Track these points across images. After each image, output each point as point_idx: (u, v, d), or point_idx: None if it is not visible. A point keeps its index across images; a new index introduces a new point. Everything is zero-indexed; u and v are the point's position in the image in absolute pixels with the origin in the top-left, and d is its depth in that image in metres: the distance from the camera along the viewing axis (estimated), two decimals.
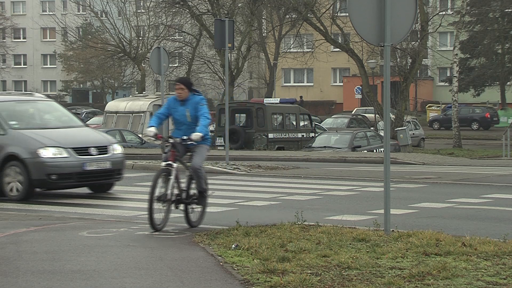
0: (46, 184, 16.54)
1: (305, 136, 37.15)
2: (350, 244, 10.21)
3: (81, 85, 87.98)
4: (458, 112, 42.81)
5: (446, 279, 8.29)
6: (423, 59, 48.94)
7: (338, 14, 43.57)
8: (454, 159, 31.31)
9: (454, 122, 42.07)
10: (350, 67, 72.47)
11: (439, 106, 69.07)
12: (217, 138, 36.22)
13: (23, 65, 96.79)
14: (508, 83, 67.43)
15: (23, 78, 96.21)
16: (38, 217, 13.65)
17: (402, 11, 11.21)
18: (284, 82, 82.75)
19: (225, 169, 23.10)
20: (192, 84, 12.48)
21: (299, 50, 51.71)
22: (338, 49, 45.74)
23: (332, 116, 54.88)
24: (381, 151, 31.28)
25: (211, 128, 45.06)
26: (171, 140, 12.04)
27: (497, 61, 66.26)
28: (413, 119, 48.00)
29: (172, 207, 11.93)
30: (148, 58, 34.93)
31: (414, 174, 21.69)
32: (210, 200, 15.82)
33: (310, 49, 47.75)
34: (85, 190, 17.52)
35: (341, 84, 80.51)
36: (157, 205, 11.60)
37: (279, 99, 47.39)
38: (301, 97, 71.74)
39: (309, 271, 8.62)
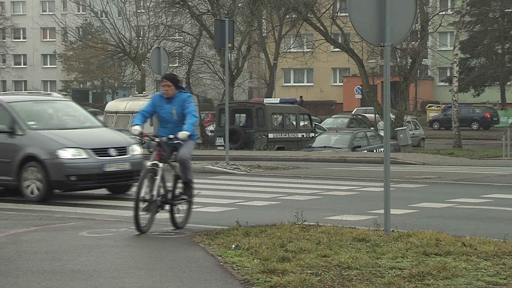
0: (65, 186, 16.28)
1: (305, 136, 37.16)
2: (350, 244, 10.21)
3: (81, 85, 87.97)
4: (458, 112, 42.80)
5: (446, 279, 8.29)
6: (423, 59, 48.94)
7: (338, 14, 43.56)
8: (454, 159, 31.30)
9: (454, 122, 42.06)
10: (350, 67, 72.47)
11: (439, 106, 69.07)
12: (217, 138, 36.26)
13: (23, 65, 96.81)
14: (508, 83, 67.43)
15: (23, 78, 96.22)
16: (38, 217, 13.65)
17: (402, 11, 11.21)
18: (284, 82, 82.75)
19: (225, 169, 23.11)
20: (179, 81, 12.19)
21: (299, 50, 51.71)
22: (338, 49, 45.73)
23: (332, 116, 54.89)
24: (381, 151, 31.28)
25: (211, 128, 45.18)
26: (157, 139, 11.72)
27: (497, 61, 66.26)
28: (413, 119, 48.00)
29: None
30: (148, 58, 34.91)
31: (414, 174, 21.69)
32: (210, 200, 15.89)
33: (310, 49, 47.74)
34: (85, 190, 17.49)
35: (341, 84, 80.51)
36: (142, 207, 11.30)
37: (279, 99, 47.40)
38: (301, 97, 71.74)
39: (309, 271, 8.62)
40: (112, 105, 41.19)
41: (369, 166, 24.84)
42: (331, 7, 43.44)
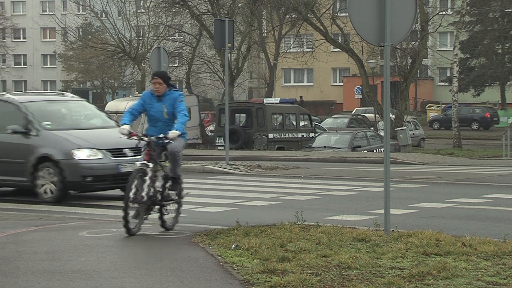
0: (81, 186, 16.05)
1: (305, 136, 37.18)
2: (350, 244, 10.21)
3: (81, 85, 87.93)
4: (458, 112, 42.81)
5: (446, 279, 8.29)
6: (423, 59, 48.95)
7: (338, 14, 43.58)
8: (454, 159, 31.31)
9: (454, 122, 42.06)
10: (350, 67, 72.47)
11: (439, 106, 69.07)
12: (217, 138, 36.29)
13: (23, 65, 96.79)
14: (508, 83, 67.43)
15: (23, 78, 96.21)
16: (38, 217, 13.65)
17: (402, 11, 11.21)
18: (284, 82, 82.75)
19: (225, 169, 23.11)
20: (170, 78, 11.87)
21: (299, 50, 51.72)
22: (338, 49, 45.74)
23: (332, 116, 54.88)
24: (381, 151, 31.28)
25: (211, 128, 45.20)
26: (146, 139, 11.43)
27: (497, 61, 66.26)
28: (413, 119, 48.01)
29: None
30: (148, 58, 34.93)
31: (414, 174, 21.69)
32: (210, 200, 15.91)
33: (310, 49, 47.76)
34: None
35: (341, 84, 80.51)
36: (131, 208, 11.06)
37: (279, 99, 47.43)
38: (301, 97, 71.74)
39: (309, 271, 8.62)
40: (112, 105, 41.18)
41: (369, 166, 24.85)
42: (331, 7, 43.46)
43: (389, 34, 11.10)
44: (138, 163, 11.38)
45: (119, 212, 14.46)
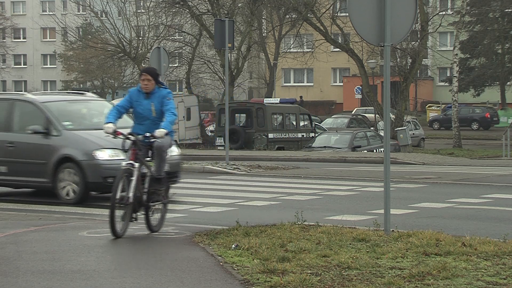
0: (103, 188, 15.61)
1: (305, 136, 37.19)
2: (350, 244, 10.21)
3: (81, 85, 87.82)
4: (458, 112, 42.81)
5: (446, 279, 8.29)
6: (423, 59, 48.96)
7: (338, 14, 43.59)
8: (454, 159, 31.31)
9: (454, 122, 42.06)
10: (350, 67, 72.47)
11: (439, 106, 69.07)
12: (217, 138, 36.31)
13: (23, 65, 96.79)
14: (508, 83, 67.43)
15: (23, 78, 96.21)
16: (38, 217, 13.64)
17: (402, 11, 11.21)
18: (284, 82, 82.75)
19: (225, 169, 23.11)
20: (159, 75, 11.48)
21: (299, 50, 51.73)
22: (338, 49, 45.76)
23: (332, 116, 54.90)
24: (381, 151, 31.29)
25: (211, 128, 45.20)
26: (132, 138, 11.09)
27: (497, 61, 66.26)
28: (413, 119, 48.02)
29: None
30: (148, 58, 34.92)
31: (414, 174, 21.69)
32: (210, 200, 15.90)
33: (310, 49, 47.77)
34: None
35: (341, 84, 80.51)
36: (118, 210, 10.75)
37: (279, 99, 47.46)
38: (301, 97, 71.74)
39: (309, 271, 8.61)
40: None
41: (369, 166, 24.85)
42: (331, 7, 43.47)
43: (389, 34, 11.10)
44: (123, 163, 11.02)
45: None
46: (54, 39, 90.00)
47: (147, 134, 11.07)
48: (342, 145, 32.64)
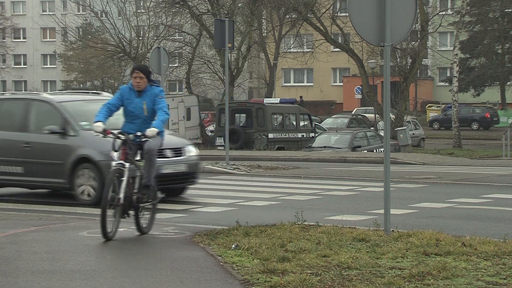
0: None
1: (305, 136, 37.21)
2: (350, 244, 10.21)
3: (81, 85, 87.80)
4: (458, 112, 42.81)
5: (446, 279, 8.29)
6: (423, 59, 48.96)
7: (338, 14, 43.60)
8: (454, 159, 31.31)
9: (454, 122, 42.07)
10: (350, 67, 72.47)
11: (439, 106, 69.07)
12: (217, 138, 36.32)
13: (23, 65, 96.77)
14: (508, 83, 67.43)
15: (23, 78, 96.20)
16: (38, 217, 13.63)
17: (402, 11, 11.21)
18: (284, 82, 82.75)
19: (225, 169, 23.11)
20: (151, 73, 11.19)
21: (299, 50, 51.74)
22: (338, 49, 45.77)
23: (332, 116, 54.91)
24: (381, 151, 31.29)
25: (211, 128, 45.21)
26: (122, 137, 10.78)
27: (497, 61, 66.26)
28: (413, 119, 48.02)
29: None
30: (148, 58, 34.92)
31: (414, 174, 21.69)
32: (210, 200, 15.90)
33: (310, 49, 47.78)
34: None
35: (341, 84, 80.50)
36: (110, 211, 10.54)
37: (279, 99, 47.47)
38: (301, 97, 71.74)
39: (309, 271, 8.61)
40: None
41: (369, 166, 24.85)
42: (331, 7, 43.48)
43: (389, 34, 11.10)
44: (114, 163, 10.75)
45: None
46: (54, 39, 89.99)
47: (138, 133, 10.84)
48: (342, 145, 32.65)
